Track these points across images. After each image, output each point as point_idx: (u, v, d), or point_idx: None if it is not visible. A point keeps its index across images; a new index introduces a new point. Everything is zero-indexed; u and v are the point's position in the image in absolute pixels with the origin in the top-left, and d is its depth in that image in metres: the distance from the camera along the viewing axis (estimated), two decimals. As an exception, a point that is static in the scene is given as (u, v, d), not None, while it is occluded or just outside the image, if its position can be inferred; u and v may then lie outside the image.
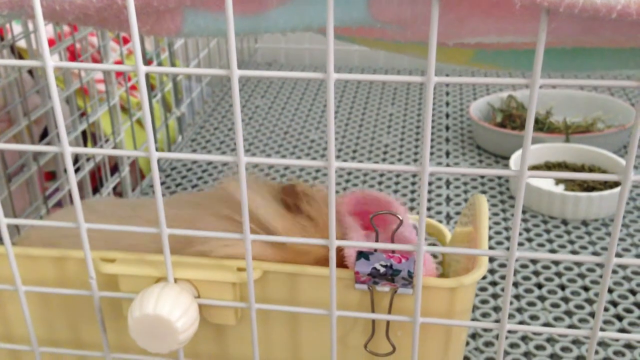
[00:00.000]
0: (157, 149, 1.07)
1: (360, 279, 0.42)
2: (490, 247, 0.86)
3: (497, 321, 0.71)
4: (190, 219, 0.51)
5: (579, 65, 0.45)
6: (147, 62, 1.02)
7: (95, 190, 0.96)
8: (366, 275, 0.42)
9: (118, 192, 1.04)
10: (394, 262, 0.42)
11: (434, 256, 0.48)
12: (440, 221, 0.93)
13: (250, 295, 0.41)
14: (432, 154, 1.13)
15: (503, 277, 0.80)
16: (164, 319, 0.40)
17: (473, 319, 0.72)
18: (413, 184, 1.04)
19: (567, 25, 0.35)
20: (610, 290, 0.77)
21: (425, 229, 0.38)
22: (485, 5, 0.35)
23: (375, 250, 0.43)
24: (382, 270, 0.42)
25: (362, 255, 0.43)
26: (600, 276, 0.79)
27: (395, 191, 1.01)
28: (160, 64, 1.10)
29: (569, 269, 0.81)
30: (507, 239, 0.87)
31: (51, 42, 0.89)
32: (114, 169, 1.01)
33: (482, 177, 1.04)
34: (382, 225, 0.49)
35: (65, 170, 0.86)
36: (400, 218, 0.43)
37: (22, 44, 0.89)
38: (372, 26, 0.38)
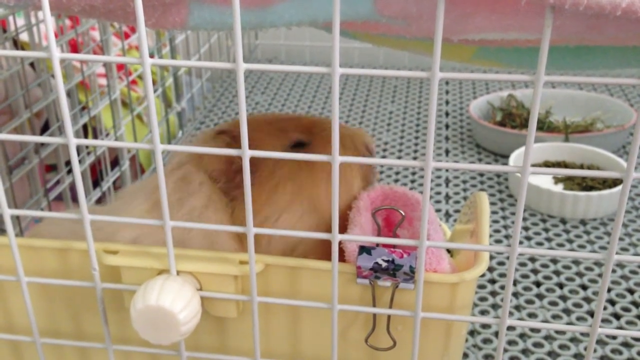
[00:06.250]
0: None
1: (362, 274, 0.43)
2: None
3: (496, 317, 0.71)
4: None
5: (581, 64, 0.45)
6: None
7: (96, 183, 0.96)
8: (368, 270, 0.42)
9: (118, 186, 1.04)
10: (396, 257, 0.42)
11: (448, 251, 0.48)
12: (440, 219, 0.93)
13: (252, 288, 0.41)
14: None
15: (501, 275, 0.80)
16: (166, 311, 0.40)
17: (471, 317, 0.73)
18: (412, 181, 1.04)
19: (571, 22, 0.35)
20: (608, 289, 0.77)
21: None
22: (491, 1, 0.35)
23: (377, 245, 0.44)
24: (384, 265, 0.42)
25: (364, 250, 0.43)
26: (599, 275, 0.79)
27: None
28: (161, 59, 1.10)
29: (567, 267, 0.81)
30: (506, 237, 0.88)
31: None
32: (114, 162, 1.01)
33: (481, 175, 1.05)
34: (408, 223, 0.49)
35: (66, 163, 0.86)
36: (402, 214, 0.43)
37: (24, 37, 0.89)
38: (377, 21, 0.38)
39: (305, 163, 0.50)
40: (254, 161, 0.49)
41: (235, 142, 0.51)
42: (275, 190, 0.50)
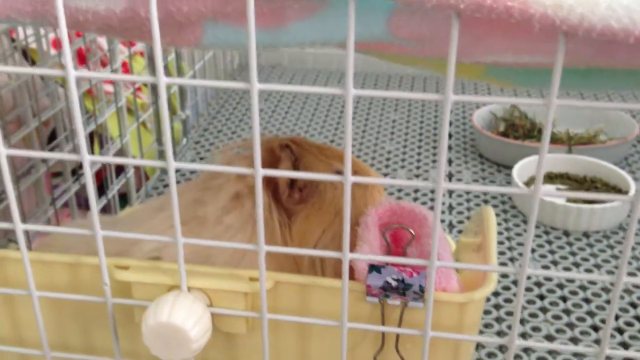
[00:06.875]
0: (160, 152, 1.06)
1: (371, 292, 0.43)
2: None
3: (499, 332, 0.71)
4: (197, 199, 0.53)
5: (590, 84, 0.45)
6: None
7: (100, 188, 0.96)
8: (378, 288, 0.42)
9: (122, 192, 1.04)
10: (406, 276, 0.42)
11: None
12: (443, 229, 0.94)
13: (263, 305, 0.42)
14: (434, 161, 1.13)
15: (505, 288, 0.80)
16: (177, 328, 0.40)
17: (475, 329, 0.73)
18: (416, 190, 1.04)
19: (583, 47, 0.35)
20: (609, 302, 0.77)
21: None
22: (504, 25, 0.36)
23: (387, 263, 0.44)
24: (394, 284, 0.42)
25: (374, 268, 0.43)
26: (602, 288, 0.79)
27: (399, 198, 1.01)
28: (166, 66, 1.10)
29: (570, 281, 0.81)
30: (510, 248, 0.88)
31: (60, 44, 0.89)
32: (119, 169, 1.02)
33: (484, 186, 1.05)
34: (416, 239, 0.50)
35: (72, 173, 0.86)
36: (413, 233, 0.44)
37: (31, 42, 0.89)
38: (390, 42, 0.39)
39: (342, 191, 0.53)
40: (310, 186, 0.53)
41: (295, 156, 0.54)
42: (319, 213, 0.53)
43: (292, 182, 0.53)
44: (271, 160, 0.53)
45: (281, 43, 0.39)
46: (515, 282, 0.80)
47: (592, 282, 0.81)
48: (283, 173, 0.39)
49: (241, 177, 0.52)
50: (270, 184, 0.53)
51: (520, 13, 0.31)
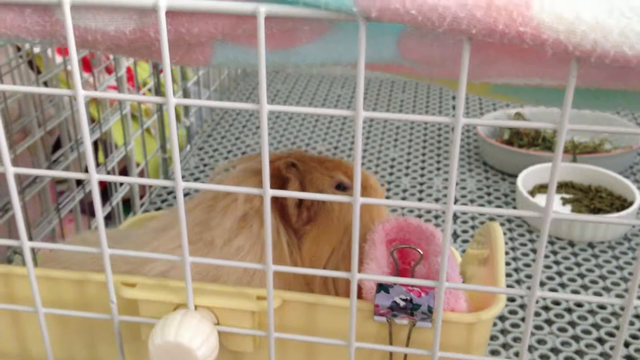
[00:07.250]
0: (164, 159, 1.06)
1: (379, 312, 0.43)
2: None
3: (504, 345, 0.71)
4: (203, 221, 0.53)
5: (601, 104, 0.45)
6: (159, 70, 1.03)
7: (104, 195, 0.96)
8: (386, 308, 0.42)
9: (125, 198, 1.04)
10: (414, 296, 0.42)
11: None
12: (448, 239, 0.93)
13: (270, 324, 0.41)
14: (438, 169, 1.13)
15: (510, 300, 0.80)
16: (184, 347, 0.40)
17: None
18: (420, 199, 1.04)
19: (595, 71, 0.35)
20: (614, 314, 0.77)
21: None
22: (515, 49, 0.36)
23: (395, 283, 0.44)
24: (402, 304, 0.42)
25: (382, 287, 0.43)
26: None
27: (402, 206, 1.01)
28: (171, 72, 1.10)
29: (575, 292, 0.81)
30: (514, 259, 0.88)
31: (65, 52, 0.89)
32: (122, 175, 1.02)
33: (489, 194, 1.05)
34: (424, 257, 0.50)
35: (77, 183, 0.86)
36: (421, 253, 0.44)
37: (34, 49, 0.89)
38: (400, 64, 0.38)
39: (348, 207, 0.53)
40: (317, 204, 0.53)
41: (301, 174, 0.54)
42: (328, 231, 0.53)
43: (300, 202, 0.53)
44: (277, 180, 0.53)
45: (290, 63, 0.39)
46: (521, 297, 0.79)
47: (598, 294, 0.81)
48: (292, 194, 0.39)
49: (248, 198, 0.51)
50: (277, 204, 0.52)
51: (532, 38, 0.31)
